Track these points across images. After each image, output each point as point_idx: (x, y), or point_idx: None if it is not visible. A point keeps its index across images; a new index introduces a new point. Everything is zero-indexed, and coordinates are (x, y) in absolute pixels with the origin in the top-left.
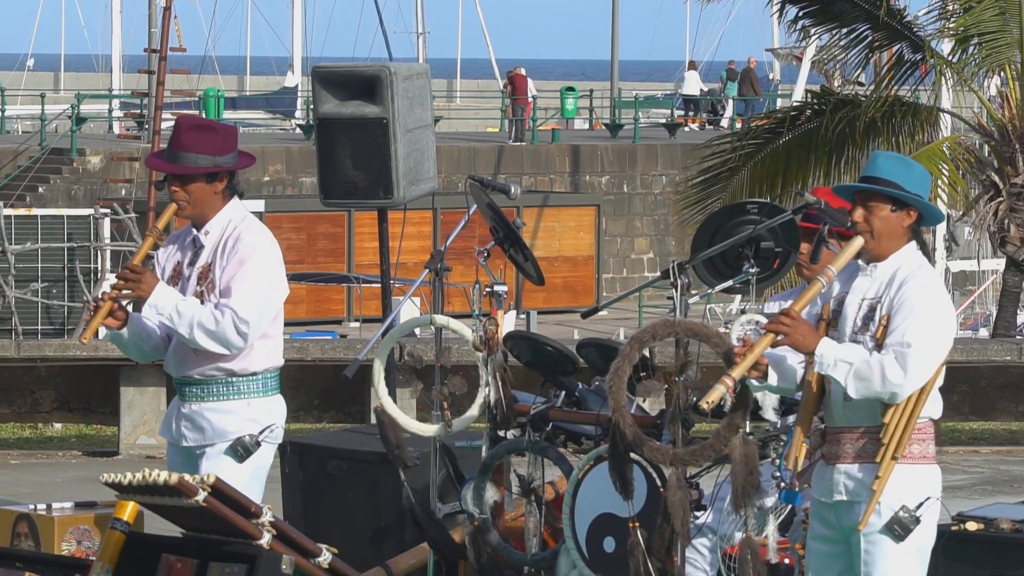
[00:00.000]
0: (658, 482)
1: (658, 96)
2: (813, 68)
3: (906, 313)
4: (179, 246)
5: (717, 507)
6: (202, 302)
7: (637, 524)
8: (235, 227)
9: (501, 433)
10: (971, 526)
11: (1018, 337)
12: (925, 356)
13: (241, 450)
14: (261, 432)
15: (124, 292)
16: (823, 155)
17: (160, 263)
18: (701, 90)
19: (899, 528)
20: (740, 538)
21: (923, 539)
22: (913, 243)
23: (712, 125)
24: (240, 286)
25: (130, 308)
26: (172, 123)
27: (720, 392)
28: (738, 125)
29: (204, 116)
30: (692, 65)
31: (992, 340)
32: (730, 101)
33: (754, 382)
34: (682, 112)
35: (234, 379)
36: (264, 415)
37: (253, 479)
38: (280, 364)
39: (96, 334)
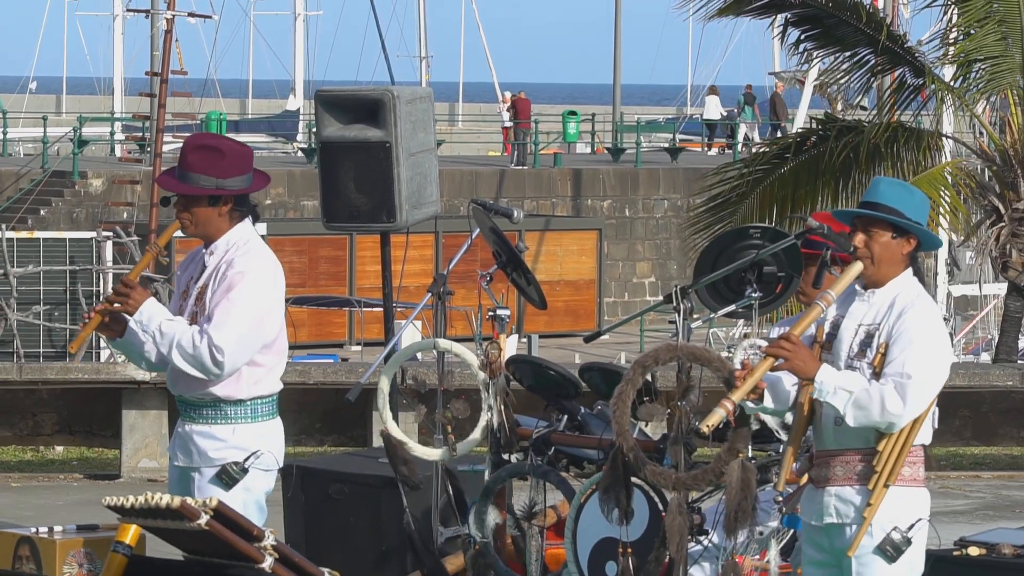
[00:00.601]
0: (660, 507)
1: (659, 120)
2: (816, 92)
3: (905, 343)
4: (192, 262)
5: (720, 531)
6: (193, 323)
7: (629, 550)
8: (235, 251)
9: (503, 457)
10: (973, 551)
11: (1020, 362)
12: (924, 387)
13: (227, 478)
14: (246, 459)
15: (114, 307)
16: (830, 179)
17: (178, 275)
18: (721, 114)
19: (891, 549)
20: (723, 565)
21: (915, 560)
22: (910, 270)
23: (732, 149)
24: (221, 314)
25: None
26: (173, 146)
27: (720, 415)
28: (740, 151)
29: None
30: (713, 90)
31: (994, 365)
32: (754, 126)
33: (749, 404)
34: (702, 137)
35: (221, 404)
36: (251, 441)
37: (246, 507)
38: (274, 391)
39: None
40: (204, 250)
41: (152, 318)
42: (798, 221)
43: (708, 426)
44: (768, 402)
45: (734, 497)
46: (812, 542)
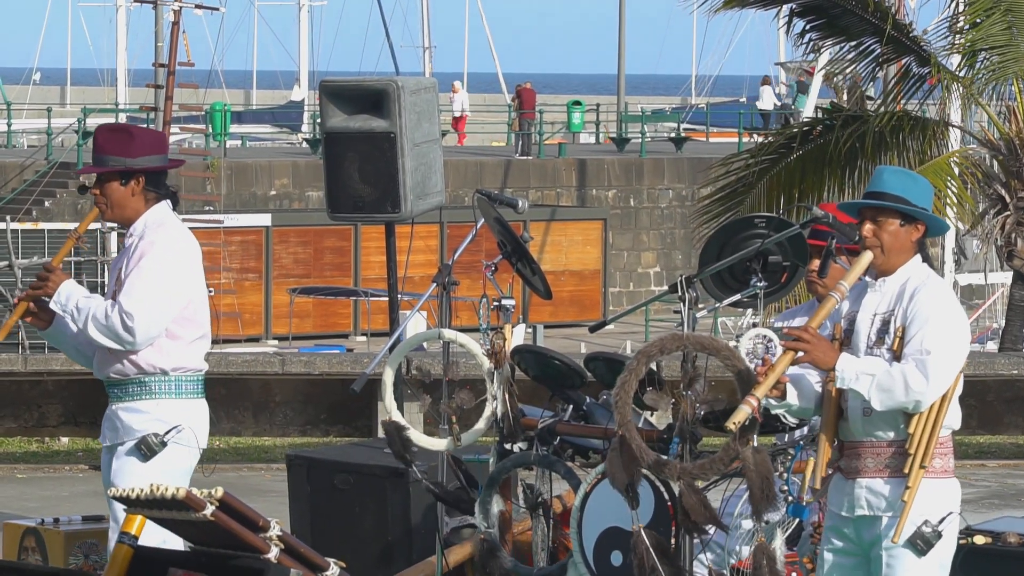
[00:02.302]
0: (665, 495)
1: (666, 110)
2: (824, 82)
3: (921, 322)
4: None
5: (724, 522)
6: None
7: (641, 526)
8: (150, 228)
9: (508, 447)
10: (979, 540)
11: None
12: (945, 362)
13: (145, 448)
14: (167, 432)
15: (37, 292)
16: (836, 168)
17: (110, 270)
18: (775, 104)
19: (922, 543)
20: (753, 548)
21: (944, 554)
22: (919, 256)
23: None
24: (131, 281)
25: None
26: (179, 137)
27: (746, 412)
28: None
29: (210, 128)
30: (766, 80)
31: (999, 354)
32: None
33: (773, 402)
34: (760, 127)
35: (146, 378)
36: (172, 416)
37: (163, 480)
38: (199, 368)
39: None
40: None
41: (70, 297)
42: (803, 211)
43: (735, 424)
44: (793, 399)
45: (755, 481)
46: (838, 532)
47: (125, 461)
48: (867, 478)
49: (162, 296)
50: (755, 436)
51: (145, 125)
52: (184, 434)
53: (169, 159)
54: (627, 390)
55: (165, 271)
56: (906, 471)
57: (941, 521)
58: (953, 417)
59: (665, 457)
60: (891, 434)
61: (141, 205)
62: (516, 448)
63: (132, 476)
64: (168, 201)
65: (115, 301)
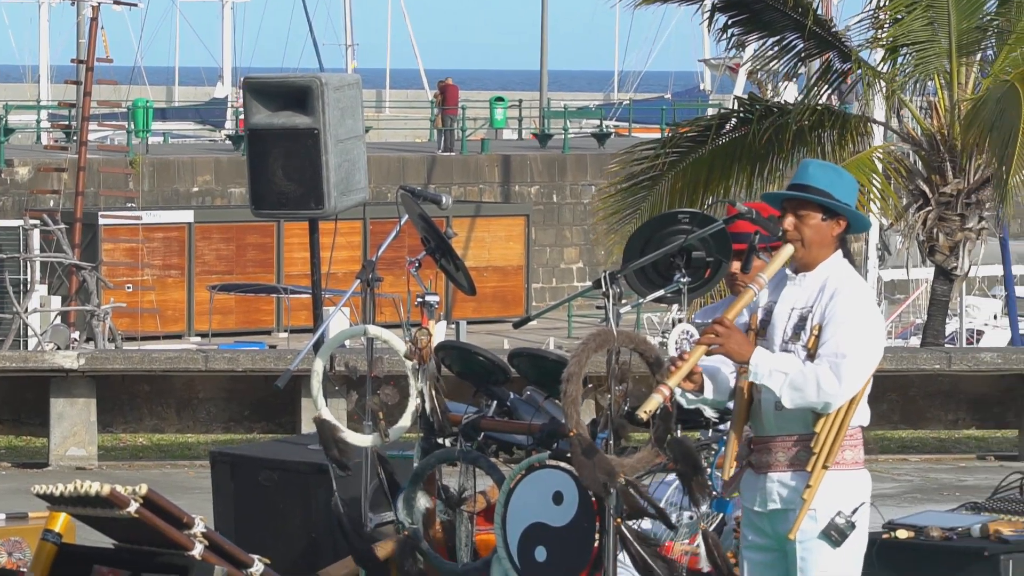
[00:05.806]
0: (589, 491)
1: (590, 107)
2: (748, 78)
3: (838, 323)
4: None
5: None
6: None
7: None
8: None
9: (433, 443)
10: (901, 534)
11: (947, 346)
12: (858, 366)
13: None
14: None
15: None
16: (747, 164)
17: None
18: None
19: (836, 534)
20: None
21: (858, 544)
22: (839, 252)
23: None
24: None
25: None
26: (100, 134)
27: (657, 401)
28: None
29: (132, 124)
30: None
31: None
32: None
33: (690, 395)
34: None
35: None
36: None
37: None
38: None
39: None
40: None
41: None
42: (726, 206)
43: (646, 412)
44: (708, 393)
45: (686, 471)
46: (753, 527)
47: None
48: (778, 472)
49: None
50: (678, 427)
51: (68, 122)
52: None
53: None
54: (574, 394)
55: None
56: (808, 469)
57: (854, 511)
58: (861, 415)
59: (608, 456)
60: (802, 429)
61: None
62: (448, 444)
63: None
64: None
65: None
